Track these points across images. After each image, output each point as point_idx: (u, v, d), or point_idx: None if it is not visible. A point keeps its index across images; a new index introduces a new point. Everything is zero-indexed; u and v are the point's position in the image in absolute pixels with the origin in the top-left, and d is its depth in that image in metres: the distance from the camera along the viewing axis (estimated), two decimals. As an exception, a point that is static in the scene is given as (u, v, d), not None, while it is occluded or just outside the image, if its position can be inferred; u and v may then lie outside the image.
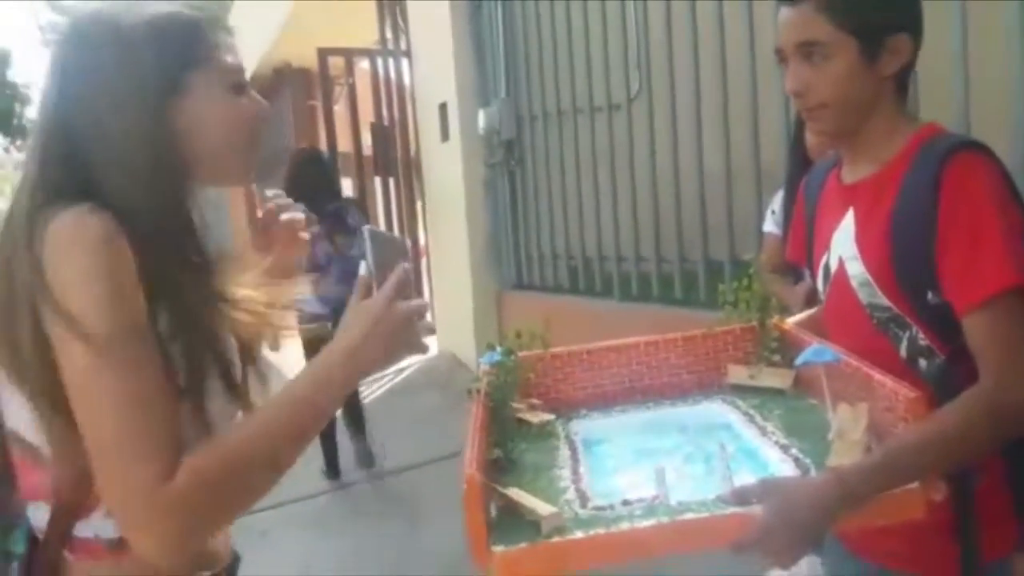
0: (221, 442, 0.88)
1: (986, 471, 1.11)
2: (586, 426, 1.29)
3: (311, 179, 4.26)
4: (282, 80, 10.07)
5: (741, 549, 0.94)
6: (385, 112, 6.94)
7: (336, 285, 4.13)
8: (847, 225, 1.23)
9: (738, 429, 1.21)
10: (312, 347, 3.94)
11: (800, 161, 2.14)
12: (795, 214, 1.45)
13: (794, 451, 1.08)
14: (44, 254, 0.83)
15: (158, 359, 0.86)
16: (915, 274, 1.12)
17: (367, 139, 7.26)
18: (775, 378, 1.33)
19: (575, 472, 1.10)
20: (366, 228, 0.97)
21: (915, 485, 0.99)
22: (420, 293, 0.98)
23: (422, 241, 6.71)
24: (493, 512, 1.00)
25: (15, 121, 21.26)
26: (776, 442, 1.12)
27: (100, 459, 0.84)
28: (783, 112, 2.82)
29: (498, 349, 1.26)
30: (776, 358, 1.35)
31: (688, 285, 3.54)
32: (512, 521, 0.97)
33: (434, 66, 5.55)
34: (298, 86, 10.12)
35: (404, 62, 6.48)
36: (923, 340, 1.15)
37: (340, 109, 8.06)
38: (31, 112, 19.70)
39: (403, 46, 6.44)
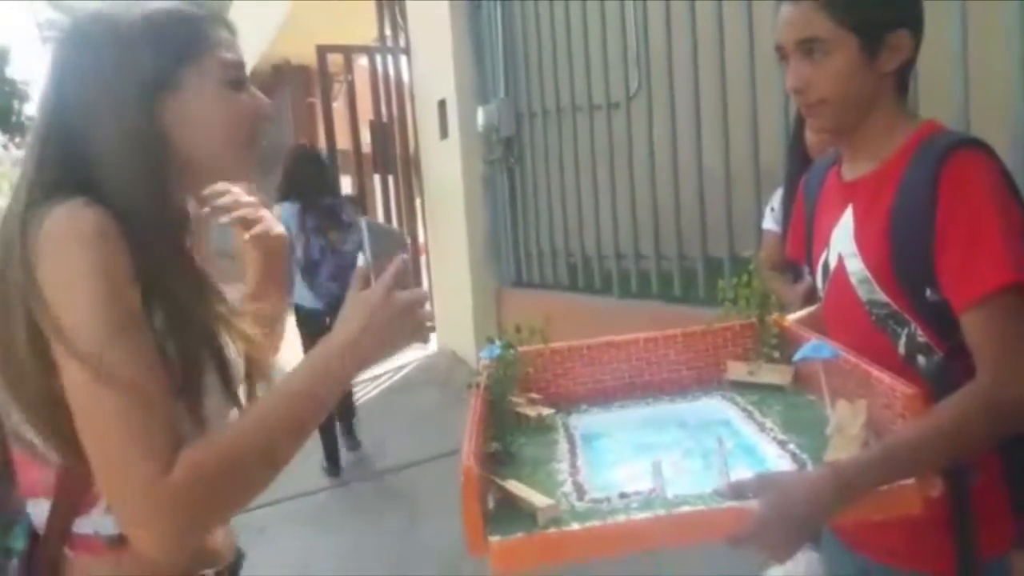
0: (219, 436, 0.88)
1: (983, 468, 1.11)
2: (585, 421, 1.29)
3: (306, 176, 4.27)
4: (281, 77, 10.08)
5: (737, 543, 0.94)
6: (384, 109, 6.94)
7: (330, 281, 4.15)
8: (846, 222, 1.23)
9: (737, 425, 1.21)
10: (310, 340, 3.95)
11: (800, 159, 2.13)
12: (794, 211, 1.45)
13: (792, 447, 1.09)
14: (38, 250, 0.83)
15: (155, 354, 0.86)
16: (914, 271, 1.13)
17: (366, 136, 7.25)
18: (774, 374, 1.33)
19: (573, 466, 1.10)
20: (363, 220, 0.97)
21: (911, 481, 0.99)
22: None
23: (421, 238, 6.71)
24: (491, 504, 1.01)
25: (14, 118, 21.22)
26: (774, 438, 1.12)
27: (99, 456, 0.84)
28: (782, 110, 2.83)
29: (497, 343, 1.27)
30: (775, 354, 1.35)
31: (687, 282, 3.54)
32: (509, 513, 0.98)
33: (433, 63, 5.54)
34: (297, 83, 10.13)
35: (403, 59, 6.47)
36: (921, 337, 1.16)
37: (339, 106, 8.05)
38: (30, 109, 19.67)
39: (402, 43, 6.43)
